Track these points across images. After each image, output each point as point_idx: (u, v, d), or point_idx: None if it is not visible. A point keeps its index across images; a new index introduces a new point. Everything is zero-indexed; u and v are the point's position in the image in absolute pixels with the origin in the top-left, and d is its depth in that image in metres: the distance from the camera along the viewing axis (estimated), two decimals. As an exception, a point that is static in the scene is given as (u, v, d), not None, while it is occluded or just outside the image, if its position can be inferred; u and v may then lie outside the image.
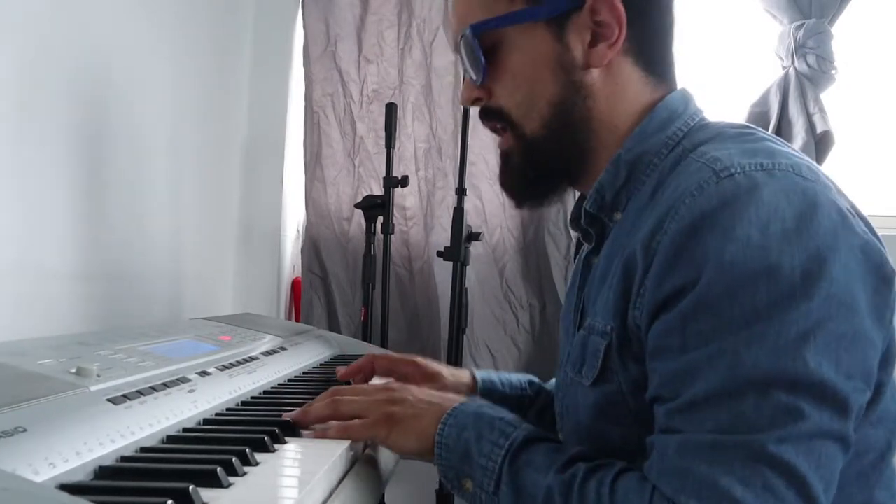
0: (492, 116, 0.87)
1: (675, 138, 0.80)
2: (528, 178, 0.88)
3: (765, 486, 0.61)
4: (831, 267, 0.65)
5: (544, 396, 1.10)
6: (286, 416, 0.84)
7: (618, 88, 0.82)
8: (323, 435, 0.81)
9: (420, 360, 1.10)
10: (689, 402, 0.66)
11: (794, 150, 0.75)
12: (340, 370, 1.13)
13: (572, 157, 0.84)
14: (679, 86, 0.86)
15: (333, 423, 0.83)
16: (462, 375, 1.11)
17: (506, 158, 0.89)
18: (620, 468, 0.70)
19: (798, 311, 0.64)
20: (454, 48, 0.86)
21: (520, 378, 1.12)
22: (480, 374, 1.11)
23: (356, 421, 0.83)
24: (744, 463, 0.62)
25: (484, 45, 0.82)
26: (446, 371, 1.10)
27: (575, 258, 0.99)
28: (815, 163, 0.75)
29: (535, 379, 1.13)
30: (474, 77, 0.85)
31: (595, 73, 0.81)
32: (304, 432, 0.82)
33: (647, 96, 0.83)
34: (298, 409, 0.86)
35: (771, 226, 0.65)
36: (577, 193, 0.93)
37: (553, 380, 1.06)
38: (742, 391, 0.63)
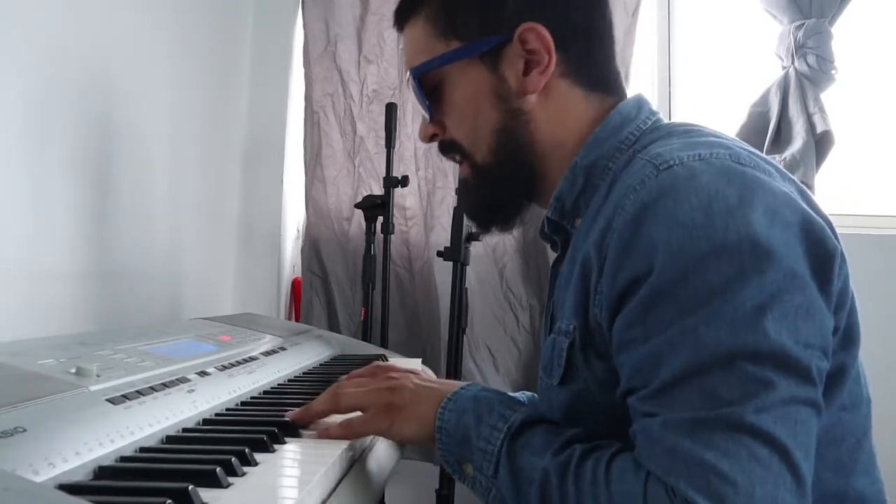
0: (448, 149, 0.92)
1: (627, 142, 0.82)
2: (485, 203, 0.92)
3: (749, 456, 0.61)
4: (776, 243, 0.66)
5: None
6: (287, 416, 0.84)
7: (558, 110, 0.85)
8: (326, 434, 0.81)
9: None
10: (659, 387, 0.66)
11: (740, 143, 0.76)
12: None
13: (523, 179, 0.88)
14: (638, 93, 0.88)
15: (335, 421, 0.83)
16: None
17: (463, 187, 0.93)
18: (616, 449, 0.70)
19: (752, 285, 0.64)
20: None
21: (519, 396, 1.12)
22: None
23: (357, 416, 0.83)
24: (725, 436, 0.62)
25: (428, 85, 0.88)
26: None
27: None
28: (760, 153, 0.76)
29: (537, 395, 1.13)
30: (425, 115, 0.91)
31: (533, 99, 0.84)
32: (305, 432, 0.82)
33: (593, 111, 0.86)
34: (300, 408, 0.86)
35: (713, 205, 0.66)
36: None
37: None
38: (707, 368, 0.64)
